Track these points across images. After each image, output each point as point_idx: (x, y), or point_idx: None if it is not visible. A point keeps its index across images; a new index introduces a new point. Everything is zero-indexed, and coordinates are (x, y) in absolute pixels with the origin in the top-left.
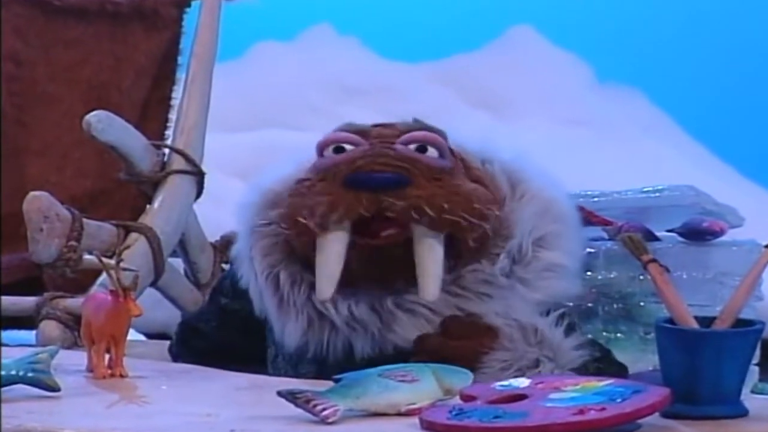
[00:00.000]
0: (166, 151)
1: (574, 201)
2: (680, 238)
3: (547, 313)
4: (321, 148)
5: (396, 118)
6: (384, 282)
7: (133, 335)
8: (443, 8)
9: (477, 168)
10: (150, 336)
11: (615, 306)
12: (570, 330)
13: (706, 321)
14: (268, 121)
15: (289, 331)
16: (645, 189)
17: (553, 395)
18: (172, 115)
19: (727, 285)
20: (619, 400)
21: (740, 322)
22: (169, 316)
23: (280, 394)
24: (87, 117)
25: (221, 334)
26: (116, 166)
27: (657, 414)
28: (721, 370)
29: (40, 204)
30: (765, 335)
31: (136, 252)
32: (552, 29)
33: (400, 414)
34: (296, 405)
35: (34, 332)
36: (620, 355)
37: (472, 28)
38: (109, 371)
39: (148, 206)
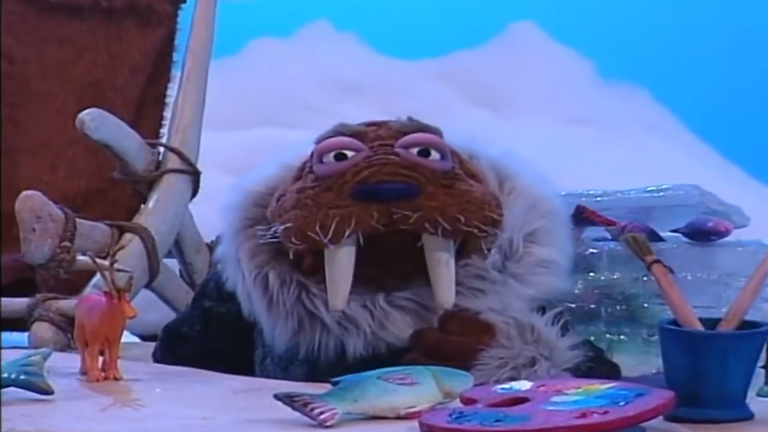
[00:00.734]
0: (161, 149)
1: (562, 198)
2: (685, 239)
3: (541, 310)
4: (320, 154)
5: (396, 116)
6: (376, 280)
7: (127, 337)
8: (443, 4)
9: (468, 161)
10: (144, 338)
11: (618, 307)
12: (565, 329)
13: (710, 323)
14: (265, 119)
15: (279, 332)
16: (649, 188)
17: (555, 398)
18: (167, 113)
19: (732, 286)
20: (622, 404)
21: (746, 324)
22: (164, 318)
23: (277, 397)
24: (80, 115)
25: (205, 339)
26: (110, 165)
27: (661, 417)
28: (726, 373)
29: (32, 204)
30: None
31: (131, 253)
32: (554, 26)
33: (399, 417)
34: (294, 408)
35: (26, 334)
36: (623, 358)
37: (473, 24)
38: (103, 374)
39: (142, 206)
